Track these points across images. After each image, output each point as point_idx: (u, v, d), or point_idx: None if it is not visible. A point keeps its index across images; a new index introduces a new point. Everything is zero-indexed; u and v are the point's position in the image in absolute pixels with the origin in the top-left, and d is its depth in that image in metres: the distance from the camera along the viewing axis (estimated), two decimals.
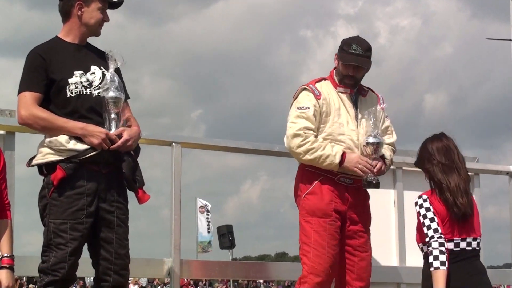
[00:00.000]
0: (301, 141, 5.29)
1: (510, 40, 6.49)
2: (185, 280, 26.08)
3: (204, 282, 32.40)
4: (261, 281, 30.66)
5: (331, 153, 5.25)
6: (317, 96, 5.42)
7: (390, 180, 6.56)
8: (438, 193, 5.03)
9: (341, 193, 5.40)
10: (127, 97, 4.72)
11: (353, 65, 5.43)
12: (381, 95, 5.75)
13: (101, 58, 4.67)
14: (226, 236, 21.54)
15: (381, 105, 5.71)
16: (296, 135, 5.31)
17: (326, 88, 5.50)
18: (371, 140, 5.30)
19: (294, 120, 5.38)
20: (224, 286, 31.91)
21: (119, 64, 4.59)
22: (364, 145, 5.33)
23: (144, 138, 5.52)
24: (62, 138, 4.41)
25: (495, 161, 7.41)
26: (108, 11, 4.68)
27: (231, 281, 28.28)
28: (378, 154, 5.36)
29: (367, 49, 5.49)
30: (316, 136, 5.36)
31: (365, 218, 5.54)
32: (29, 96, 4.43)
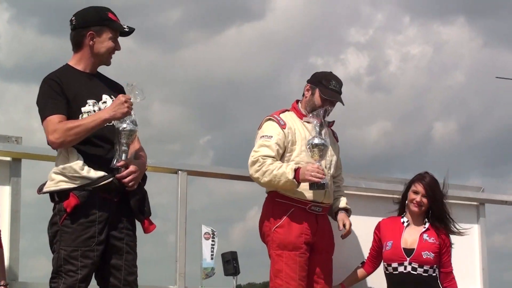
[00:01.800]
0: (258, 166, 5.37)
1: None
2: None
3: None
4: None
5: (285, 170, 5.29)
6: (282, 126, 5.52)
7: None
8: None
9: (311, 222, 5.48)
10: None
11: (330, 100, 5.58)
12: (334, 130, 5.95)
13: (112, 88, 4.67)
14: (230, 263, 21.44)
15: (337, 137, 5.93)
16: (254, 162, 5.41)
17: (290, 119, 5.60)
18: (316, 141, 5.31)
19: (256, 149, 5.48)
20: None
21: (139, 99, 4.53)
22: (309, 147, 5.35)
23: (151, 166, 5.50)
24: (76, 166, 4.38)
25: (503, 190, 7.46)
26: (119, 38, 4.69)
27: None
28: (323, 157, 5.38)
29: (341, 87, 5.68)
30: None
31: (331, 246, 5.67)
32: (53, 119, 4.36)
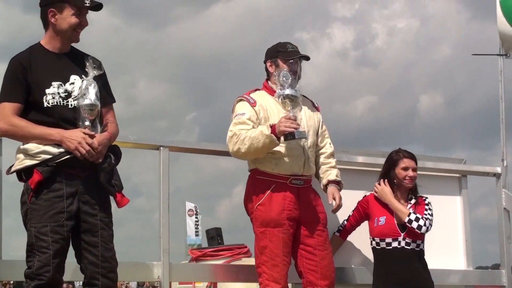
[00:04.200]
0: (235, 139, 5.41)
1: (496, 55, 6.56)
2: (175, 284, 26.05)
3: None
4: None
5: (261, 129, 5.30)
6: (252, 104, 5.56)
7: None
8: None
9: (293, 197, 5.49)
10: (112, 100, 4.75)
11: (296, 61, 5.63)
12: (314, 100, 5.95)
13: (84, 66, 4.64)
14: (215, 239, 21.35)
15: (318, 107, 5.93)
16: (230, 138, 5.48)
17: (261, 97, 5.63)
18: (287, 92, 5.31)
19: (230, 128, 5.52)
20: None
21: (96, 73, 4.56)
22: (280, 99, 5.36)
23: (132, 142, 5.53)
24: (37, 142, 4.43)
25: (488, 162, 7.46)
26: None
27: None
28: (296, 108, 5.36)
29: (298, 47, 5.75)
30: None
31: (320, 216, 5.63)
32: (8, 107, 4.44)
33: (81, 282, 4.67)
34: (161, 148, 5.60)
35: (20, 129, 4.42)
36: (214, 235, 21.70)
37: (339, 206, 5.64)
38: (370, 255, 6.11)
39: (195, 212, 26.70)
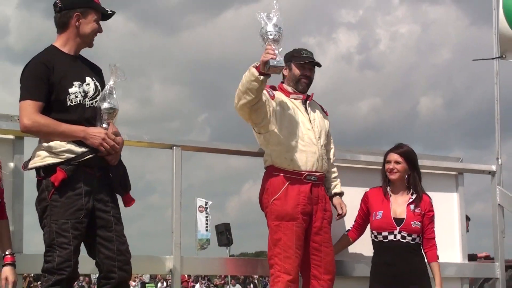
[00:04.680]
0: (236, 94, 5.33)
1: (493, 58, 6.60)
2: (186, 276, 26.10)
3: (203, 277, 32.42)
4: (255, 276, 30.66)
5: (247, 71, 5.21)
6: (271, 96, 5.56)
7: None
8: None
9: (307, 192, 5.51)
10: None
11: (308, 65, 5.68)
12: (323, 105, 5.96)
13: (93, 70, 4.71)
14: (224, 234, 21.53)
15: (326, 112, 5.94)
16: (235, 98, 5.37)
17: (279, 95, 5.65)
18: (269, 28, 5.13)
19: None
20: (223, 281, 31.90)
21: (120, 80, 4.58)
22: (264, 37, 5.15)
23: (147, 142, 5.56)
24: (62, 141, 4.43)
25: (485, 161, 7.48)
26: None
27: (229, 276, 28.29)
28: (279, 44, 5.14)
29: (312, 54, 5.76)
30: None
31: (328, 214, 5.68)
32: (32, 105, 4.40)
33: (97, 275, 4.66)
34: (174, 147, 5.60)
35: (45, 126, 4.41)
36: (223, 230, 21.89)
37: (344, 215, 5.79)
38: (366, 249, 6.13)
39: (205, 208, 26.73)
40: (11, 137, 5.08)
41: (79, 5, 4.61)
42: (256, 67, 5.13)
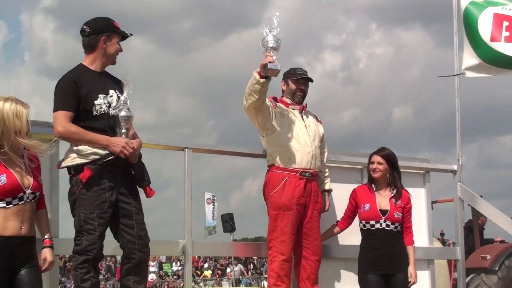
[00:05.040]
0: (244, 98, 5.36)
1: (454, 75, 6.61)
2: (196, 257, 26.12)
3: (211, 258, 32.42)
4: (255, 257, 30.71)
5: (251, 78, 5.22)
6: (274, 106, 5.59)
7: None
8: None
9: (301, 187, 5.51)
10: None
11: (303, 80, 5.69)
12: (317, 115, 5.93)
13: (116, 84, 4.70)
14: (228, 222, 21.43)
15: (320, 121, 5.90)
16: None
17: (280, 106, 5.65)
18: (270, 38, 5.12)
19: None
20: (227, 262, 31.94)
21: (131, 91, 4.58)
22: (266, 46, 5.13)
23: (163, 145, 5.53)
24: (89, 145, 4.45)
25: (447, 161, 7.49)
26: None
27: (232, 257, 28.27)
28: (277, 51, 5.14)
29: (306, 72, 5.75)
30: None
31: (318, 206, 5.66)
32: (64, 115, 4.44)
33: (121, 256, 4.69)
34: (186, 149, 5.58)
35: (75, 134, 4.44)
36: (227, 219, 21.80)
37: (326, 211, 5.82)
38: (351, 237, 6.10)
39: (212, 200, 26.74)
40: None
41: (105, 30, 4.64)
42: (258, 72, 5.16)
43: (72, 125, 4.44)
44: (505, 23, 6.84)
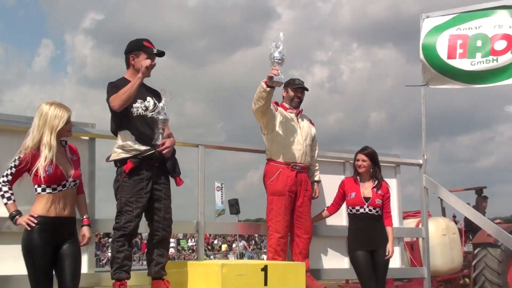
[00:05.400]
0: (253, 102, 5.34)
1: (420, 85, 6.63)
2: (207, 234, 26.10)
3: (220, 235, 32.37)
4: (256, 235, 30.69)
5: (258, 87, 5.21)
6: (275, 109, 5.59)
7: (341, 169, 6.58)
8: None
9: (293, 177, 5.51)
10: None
11: (300, 88, 5.69)
12: (311, 118, 5.91)
13: (151, 92, 4.69)
14: (234, 206, 21.41)
15: (313, 123, 5.86)
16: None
17: (280, 109, 5.65)
18: (276, 54, 5.09)
19: None
20: (233, 239, 31.87)
21: (169, 99, 4.59)
22: (272, 60, 5.09)
23: (181, 142, 5.51)
24: (131, 142, 4.47)
25: (415, 157, 7.45)
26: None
27: (237, 235, 28.24)
28: (281, 65, 5.12)
29: (303, 82, 5.75)
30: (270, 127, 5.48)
31: (308, 193, 5.66)
32: (113, 97, 4.44)
33: (146, 233, 4.74)
34: (199, 146, 5.58)
35: (122, 93, 4.40)
36: (233, 203, 21.78)
37: (316, 198, 5.80)
38: (338, 219, 6.11)
39: (221, 188, 26.71)
40: (87, 138, 5.09)
41: (133, 49, 4.64)
42: (265, 82, 5.16)
43: (115, 94, 4.42)
44: (459, 41, 6.80)
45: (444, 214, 10.70)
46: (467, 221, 10.03)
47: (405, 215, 10.22)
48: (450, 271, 9.08)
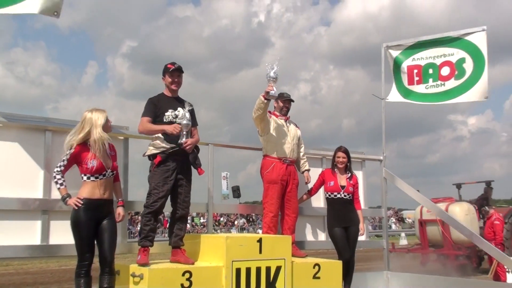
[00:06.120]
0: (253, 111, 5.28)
1: (381, 99, 6.67)
2: (215, 213, 25.99)
3: (225, 214, 32.36)
4: (253, 214, 30.68)
5: (257, 99, 5.17)
6: (269, 116, 5.54)
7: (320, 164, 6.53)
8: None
9: (284, 169, 5.47)
10: (195, 123, 4.74)
11: (287, 100, 5.65)
12: (296, 123, 5.83)
13: (182, 103, 4.66)
14: (236, 191, 21.37)
15: (298, 127, 5.81)
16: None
17: (273, 117, 5.60)
18: (272, 74, 5.06)
19: None
20: (235, 217, 31.87)
21: (190, 109, 4.59)
22: (268, 78, 5.06)
23: None
24: (159, 141, 4.48)
25: (377, 154, 7.44)
26: (185, 77, 4.70)
27: (238, 214, 28.25)
28: (275, 83, 5.07)
29: (289, 95, 5.69)
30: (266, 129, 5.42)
31: (296, 182, 5.60)
32: (146, 119, 4.48)
33: (168, 212, 4.66)
34: (210, 144, 5.54)
35: (146, 129, 4.47)
36: (236, 189, 21.72)
37: (309, 181, 5.74)
38: (317, 202, 6.08)
39: (226, 177, 26.69)
40: (122, 138, 5.07)
41: (163, 73, 4.67)
42: (263, 96, 5.14)
43: (148, 124, 4.47)
44: (415, 71, 6.95)
45: (460, 199, 11.93)
46: (479, 205, 11.21)
47: (437, 201, 11.24)
48: (471, 242, 9.40)
